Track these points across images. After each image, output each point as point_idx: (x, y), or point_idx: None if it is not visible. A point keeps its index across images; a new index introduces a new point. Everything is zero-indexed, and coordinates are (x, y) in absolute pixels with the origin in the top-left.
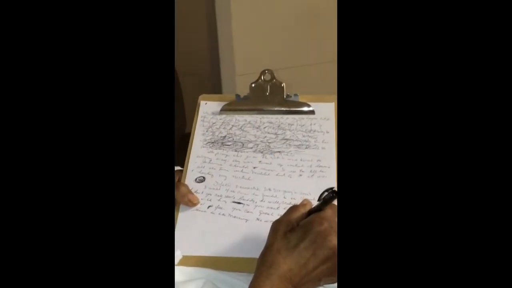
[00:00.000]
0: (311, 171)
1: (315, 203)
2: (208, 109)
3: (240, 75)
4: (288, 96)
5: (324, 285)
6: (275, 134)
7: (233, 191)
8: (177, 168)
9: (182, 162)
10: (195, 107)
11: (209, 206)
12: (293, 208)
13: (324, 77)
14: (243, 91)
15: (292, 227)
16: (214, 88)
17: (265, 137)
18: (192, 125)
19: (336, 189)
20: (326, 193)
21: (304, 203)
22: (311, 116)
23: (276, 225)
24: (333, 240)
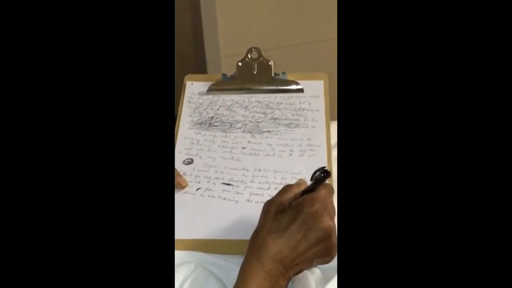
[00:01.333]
0: (301, 150)
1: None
2: (194, 89)
3: (225, 57)
4: (276, 74)
5: (317, 266)
6: (264, 113)
7: (222, 173)
8: None
9: None
10: (178, 90)
11: (198, 189)
12: (287, 188)
13: (312, 58)
14: (229, 72)
15: (284, 207)
16: (199, 70)
17: (254, 116)
18: (176, 108)
19: (327, 168)
20: (318, 172)
21: (299, 182)
22: (300, 94)
23: (268, 206)
24: (326, 221)
